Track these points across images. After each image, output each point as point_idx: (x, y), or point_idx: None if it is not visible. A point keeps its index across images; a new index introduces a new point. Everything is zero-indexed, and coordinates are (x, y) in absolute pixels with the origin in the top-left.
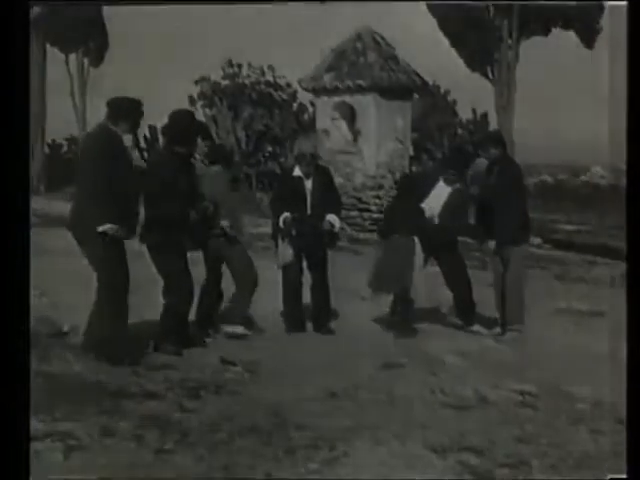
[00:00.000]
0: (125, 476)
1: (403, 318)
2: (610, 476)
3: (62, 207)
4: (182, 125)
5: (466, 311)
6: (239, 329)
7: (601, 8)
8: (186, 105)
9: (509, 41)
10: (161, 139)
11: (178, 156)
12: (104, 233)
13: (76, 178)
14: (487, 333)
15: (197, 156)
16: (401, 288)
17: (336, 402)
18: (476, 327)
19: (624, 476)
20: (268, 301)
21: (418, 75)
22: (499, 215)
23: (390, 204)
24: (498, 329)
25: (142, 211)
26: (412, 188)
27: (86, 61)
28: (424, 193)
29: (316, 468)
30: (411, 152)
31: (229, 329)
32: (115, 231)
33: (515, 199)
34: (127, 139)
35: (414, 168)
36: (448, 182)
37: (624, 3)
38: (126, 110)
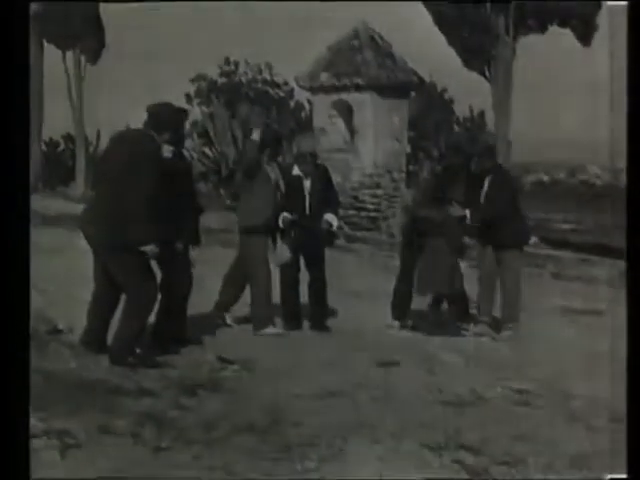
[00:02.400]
0: (122, 474)
1: (452, 318)
2: (610, 476)
3: (60, 205)
4: (169, 114)
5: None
6: (271, 329)
7: (598, 6)
8: (184, 103)
9: (506, 38)
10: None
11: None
12: (144, 252)
13: (104, 184)
14: (481, 331)
15: (194, 154)
16: (451, 289)
17: (333, 400)
18: (471, 325)
19: (623, 475)
20: None
21: (415, 73)
22: (496, 224)
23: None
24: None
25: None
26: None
27: (83, 58)
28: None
29: (313, 466)
30: (408, 150)
31: (264, 332)
32: (155, 253)
33: (510, 208)
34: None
35: (411, 167)
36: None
37: (624, 3)
38: (170, 119)
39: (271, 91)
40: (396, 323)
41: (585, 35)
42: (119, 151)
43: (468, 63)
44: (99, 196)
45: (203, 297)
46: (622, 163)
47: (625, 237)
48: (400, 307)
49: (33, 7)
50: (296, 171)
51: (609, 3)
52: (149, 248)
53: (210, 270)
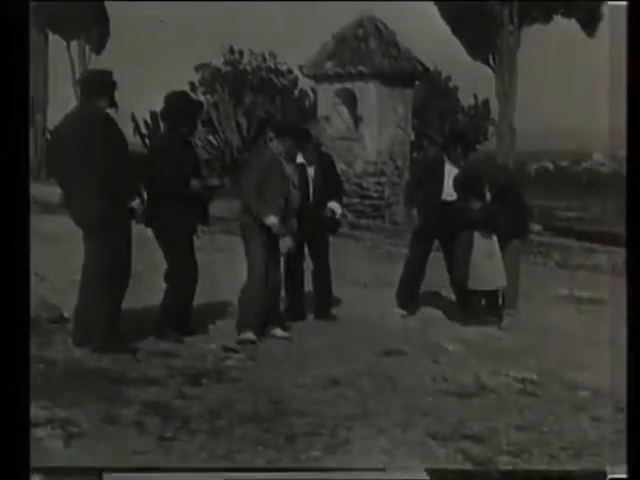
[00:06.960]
0: (126, 463)
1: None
2: (611, 476)
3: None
4: (181, 105)
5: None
6: (249, 335)
7: None
8: (188, 91)
9: (510, 28)
10: (162, 124)
11: (181, 137)
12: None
13: (75, 165)
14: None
15: (198, 142)
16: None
17: (337, 389)
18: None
19: (624, 474)
20: None
21: (419, 61)
22: (498, 214)
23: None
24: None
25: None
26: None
27: (88, 48)
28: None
29: (317, 455)
30: (412, 138)
31: (242, 336)
32: (141, 208)
33: (512, 200)
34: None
35: (415, 154)
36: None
37: (624, 3)
38: (103, 83)
39: (275, 79)
40: (403, 312)
41: (589, 25)
42: (69, 135)
43: (472, 52)
44: (72, 179)
45: (211, 285)
46: (623, 151)
47: (625, 225)
48: (407, 296)
49: None
50: (300, 159)
51: (610, 3)
52: (135, 203)
53: (217, 258)
